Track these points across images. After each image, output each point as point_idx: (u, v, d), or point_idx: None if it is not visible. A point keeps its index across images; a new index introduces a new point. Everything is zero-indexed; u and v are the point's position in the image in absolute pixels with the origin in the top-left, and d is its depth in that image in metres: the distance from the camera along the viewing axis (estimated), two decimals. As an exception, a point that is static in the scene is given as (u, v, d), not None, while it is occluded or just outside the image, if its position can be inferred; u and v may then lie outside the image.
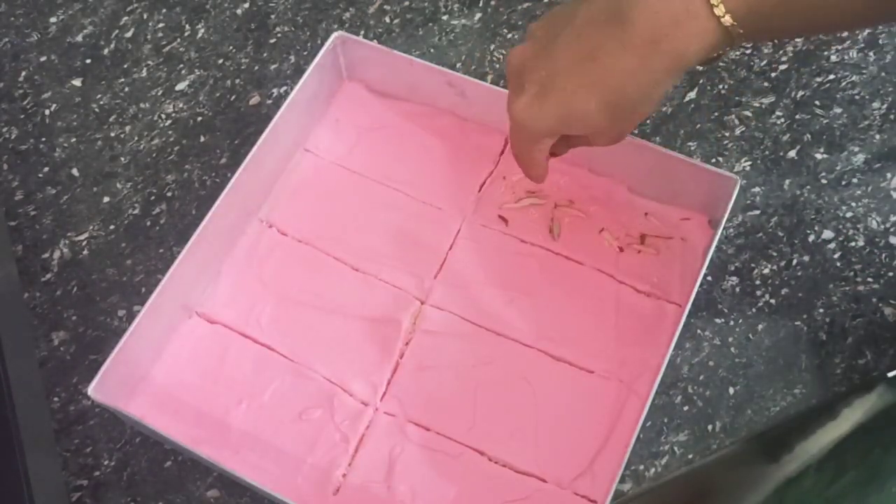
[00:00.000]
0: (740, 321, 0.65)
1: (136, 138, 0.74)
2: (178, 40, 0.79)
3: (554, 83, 0.47)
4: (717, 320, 0.65)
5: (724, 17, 0.44)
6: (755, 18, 0.44)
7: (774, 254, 0.67)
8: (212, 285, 0.65)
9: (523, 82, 0.49)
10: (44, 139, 0.75)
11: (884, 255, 0.67)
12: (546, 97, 0.48)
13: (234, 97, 0.76)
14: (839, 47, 0.75)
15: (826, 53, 0.75)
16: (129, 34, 0.79)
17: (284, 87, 0.76)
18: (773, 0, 0.44)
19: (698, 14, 0.44)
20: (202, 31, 0.79)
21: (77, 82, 0.77)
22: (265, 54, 0.78)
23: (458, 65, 0.76)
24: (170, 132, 0.75)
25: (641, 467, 0.61)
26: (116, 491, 0.61)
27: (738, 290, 0.66)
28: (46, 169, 0.73)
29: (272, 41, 0.78)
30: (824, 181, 0.70)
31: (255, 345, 0.63)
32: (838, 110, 0.72)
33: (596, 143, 0.52)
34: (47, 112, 0.76)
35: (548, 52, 0.48)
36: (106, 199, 0.72)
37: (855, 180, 0.70)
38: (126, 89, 0.77)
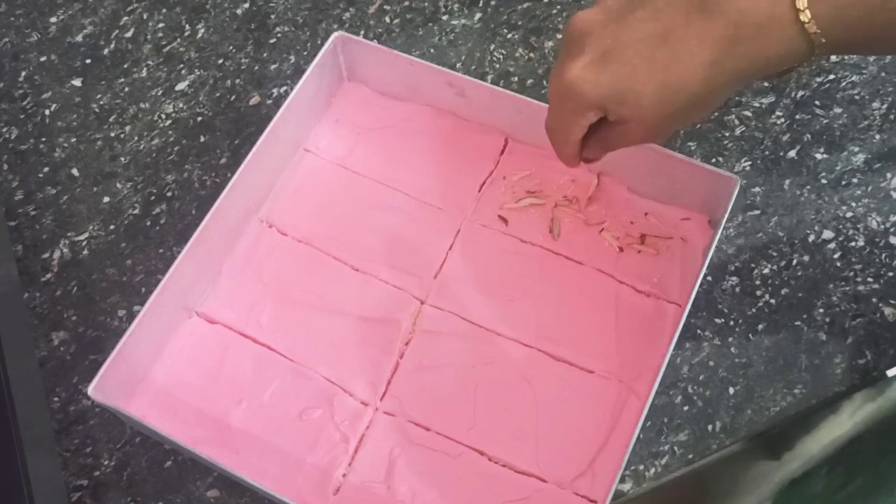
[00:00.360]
0: (740, 321, 0.65)
1: (136, 138, 0.74)
2: (178, 40, 0.79)
3: (618, 53, 0.45)
4: (717, 320, 0.65)
5: (808, 22, 0.42)
6: (840, 29, 0.42)
7: (774, 254, 0.67)
8: (212, 285, 0.65)
9: (584, 46, 0.46)
10: (44, 139, 0.75)
11: (884, 255, 0.67)
12: (606, 65, 0.45)
13: (234, 97, 0.76)
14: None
15: (826, 53, 0.75)
16: (129, 34, 0.79)
17: (284, 87, 0.76)
18: (861, 10, 0.42)
19: (783, 19, 0.42)
20: (202, 31, 0.79)
21: (77, 82, 0.77)
22: (265, 54, 0.78)
23: (458, 65, 0.76)
24: (170, 132, 0.75)
25: (641, 467, 0.61)
26: (116, 491, 0.61)
27: (738, 290, 0.66)
28: (46, 169, 0.73)
29: (272, 41, 0.78)
30: (824, 181, 0.70)
31: (255, 345, 0.63)
32: (838, 110, 0.72)
33: (633, 137, 0.48)
34: (47, 112, 0.76)
35: (620, 22, 0.45)
36: (106, 199, 0.72)
37: (855, 180, 0.70)
38: (126, 89, 0.77)
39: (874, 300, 0.65)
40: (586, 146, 0.51)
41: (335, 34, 0.68)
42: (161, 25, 0.80)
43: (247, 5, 0.80)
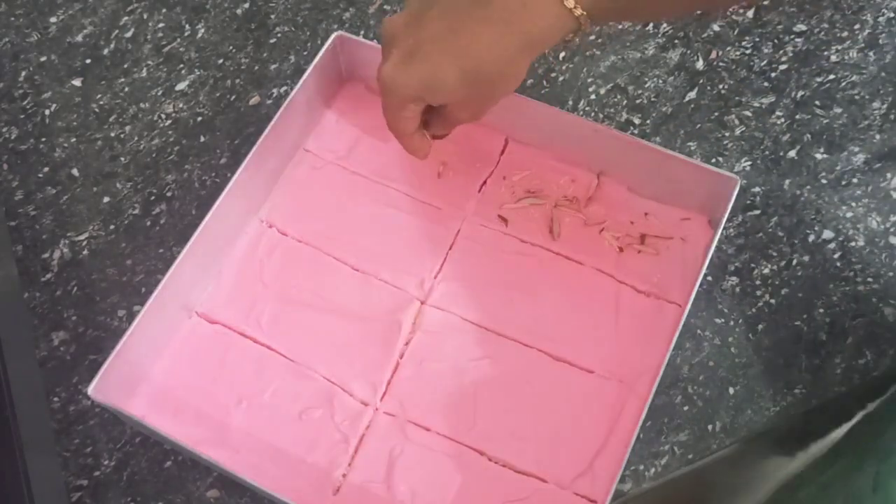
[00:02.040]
0: (740, 321, 0.65)
1: (136, 138, 0.74)
2: (178, 40, 0.79)
3: (420, 50, 0.50)
4: (717, 320, 0.65)
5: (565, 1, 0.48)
6: (598, 3, 0.49)
7: (774, 254, 0.67)
8: (212, 285, 0.65)
9: (392, 47, 0.52)
10: (44, 139, 0.75)
11: (884, 255, 0.67)
12: (411, 63, 0.51)
13: (234, 97, 0.76)
14: (839, 47, 0.75)
15: (826, 53, 0.75)
16: (129, 34, 0.79)
17: (284, 87, 0.76)
18: None
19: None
20: (202, 31, 0.79)
21: (77, 82, 0.77)
22: (265, 54, 0.78)
23: (458, 65, 0.76)
24: (170, 132, 0.75)
25: (641, 467, 0.61)
26: (116, 491, 0.61)
27: (738, 290, 0.66)
28: (46, 169, 0.73)
29: (272, 41, 0.78)
30: (824, 181, 0.70)
31: (255, 345, 0.63)
32: (838, 110, 0.72)
33: (460, 116, 0.55)
34: (47, 112, 0.76)
35: (418, 22, 0.51)
36: (106, 199, 0.72)
37: (855, 180, 0.70)
38: (126, 89, 0.77)
39: (874, 300, 0.65)
40: (431, 125, 0.57)
41: (335, 34, 0.68)
42: (161, 25, 0.80)
43: (247, 5, 0.80)
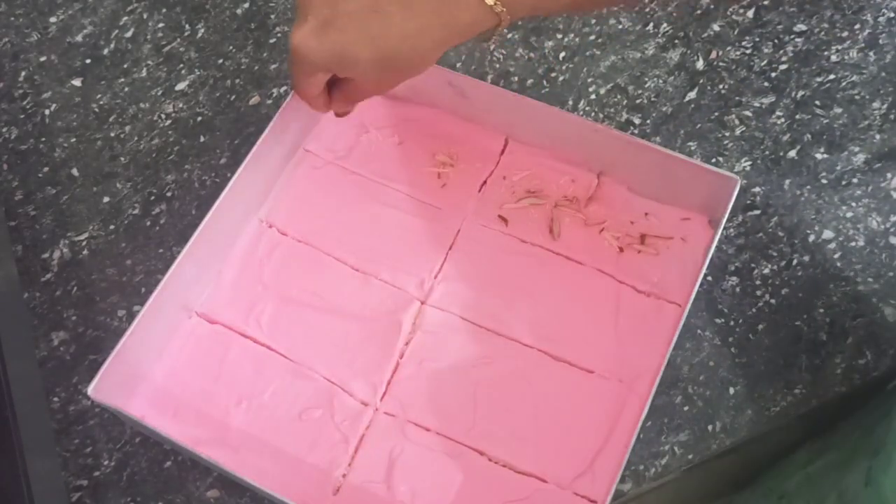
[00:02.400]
0: (740, 321, 0.65)
1: (136, 138, 0.74)
2: (178, 40, 0.79)
3: (336, 22, 0.50)
4: (717, 320, 0.65)
5: None
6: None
7: (774, 254, 0.67)
8: (212, 285, 0.65)
9: (308, 14, 0.51)
10: (44, 139, 0.75)
11: (884, 255, 0.67)
12: (325, 34, 0.50)
13: (234, 97, 0.76)
14: (839, 47, 0.75)
15: (826, 53, 0.75)
16: (129, 34, 0.79)
17: (284, 87, 0.76)
18: None
19: None
20: (202, 31, 0.79)
21: (77, 82, 0.77)
22: (265, 54, 0.78)
23: (458, 65, 0.76)
24: (170, 132, 0.75)
25: (641, 467, 0.60)
26: (116, 491, 0.61)
27: (738, 290, 0.66)
28: (46, 169, 0.73)
29: (272, 41, 0.78)
30: (824, 181, 0.70)
31: (255, 345, 0.63)
32: (838, 110, 0.72)
33: (363, 90, 0.55)
34: (47, 112, 0.76)
35: None
36: (106, 199, 0.72)
37: (855, 180, 0.69)
38: (126, 89, 0.77)
39: (874, 300, 0.65)
40: (333, 100, 0.57)
41: (335, 34, 0.68)
42: (161, 25, 0.80)
43: (247, 5, 0.80)
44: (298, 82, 0.55)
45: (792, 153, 0.71)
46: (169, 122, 0.75)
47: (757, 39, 0.76)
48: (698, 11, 0.77)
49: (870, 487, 0.51)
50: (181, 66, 0.77)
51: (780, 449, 0.68)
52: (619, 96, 0.74)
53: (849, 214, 0.68)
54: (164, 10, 0.80)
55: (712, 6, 0.77)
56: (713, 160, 0.71)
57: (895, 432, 0.52)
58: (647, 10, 0.77)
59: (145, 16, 0.80)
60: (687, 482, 0.63)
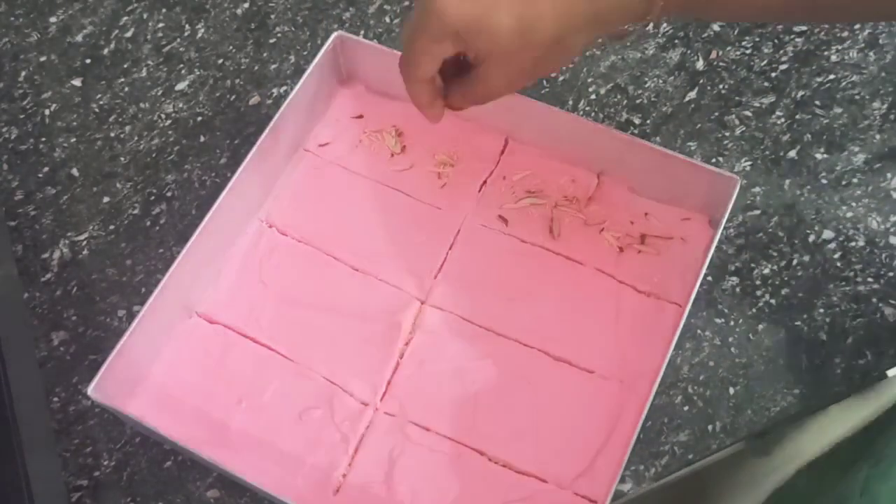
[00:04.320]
0: (740, 321, 0.65)
1: (136, 138, 0.74)
2: (178, 40, 0.79)
3: None
4: (718, 320, 0.65)
5: None
6: None
7: (775, 254, 0.67)
8: (212, 285, 0.65)
9: None
10: (44, 139, 0.75)
11: (884, 255, 0.67)
12: None
13: (234, 97, 0.76)
14: (839, 47, 0.75)
15: (826, 53, 0.75)
16: (129, 34, 0.79)
17: (284, 87, 0.76)
18: None
19: None
20: (202, 31, 0.79)
21: (77, 82, 0.77)
22: (265, 54, 0.78)
23: (458, 65, 0.76)
24: (170, 132, 0.75)
25: (641, 467, 0.60)
26: (116, 491, 0.61)
27: (738, 290, 0.66)
28: (46, 169, 0.73)
29: (272, 41, 0.78)
30: (824, 181, 0.70)
31: (255, 345, 0.63)
32: (838, 110, 0.72)
33: (492, 79, 0.50)
34: (47, 112, 0.76)
35: None
36: (106, 199, 0.72)
37: (855, 180, 0.69)
38: (126, 89, 0.77)
39: (874, 300, 0.65)
40: (449, 93, 0.52)
41: (335, 34, 0.68)
42: (161, 25, 0.80)
43: (247, 5, 0.80)
44: (418, 49, 0.49)
45: (792, 153, 0.71)
46: (169, 122, 0.75)
47: (757, 39, 0.76)
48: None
49: (865, 497, 0.51)
50: (181, 66, 0.77)
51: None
52: (619, 96, 0.74)
53: (849, 214, 0.68)
54: (164, 10, 0.80)
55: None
56: (713, 160, 0.71)
57: (893, 442, 0.52)
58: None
59: (145, 16, 0.80)
60: (679, 482, 0.63)
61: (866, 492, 0.51)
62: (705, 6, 0.50)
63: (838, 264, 0.66)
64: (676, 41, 0.76)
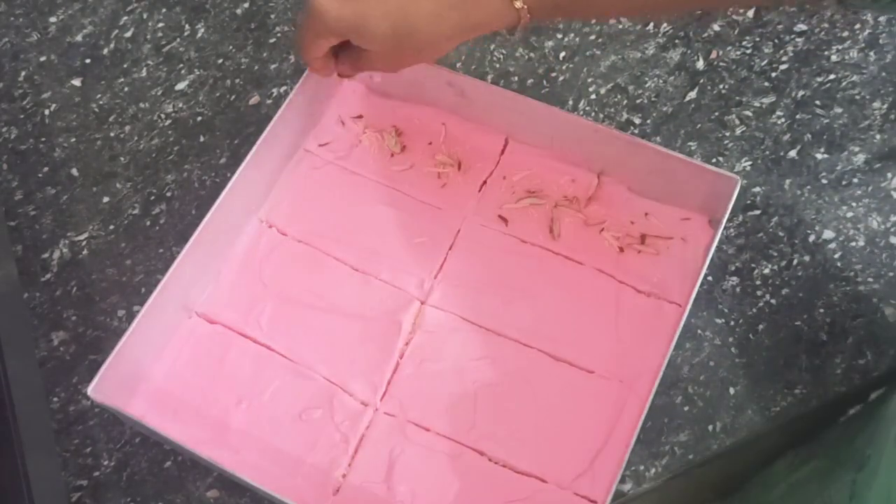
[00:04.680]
0: (740, 321, 0.65)
1: (135, 138, 0.74)
2: (178, 40, 0.79)
3: None
4: (718, 320, 0.65)
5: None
6: (542, 3, 0.50)
7: (775, 254, 0.67)
8: (212, 285, 0.65)
9: None
10: (43, 139, 0.75)
11: (884, 255, 0.67)
12: (348, 1, 0.52)
13: (233, 97, 0.76)
14: (839, 47, 0.75)
15: (826, 53, 0.75)
16: (128, 34, 0.79)
17: (284, 87, 0.76)
18: None
19: None
20: (202, 30, 0.79)
21: (77, 82, 0.77)
22: (265, 54, 0.78)
23: (458, 65, 0.76)
24: (170, 132, 0.75)
25: (642, 467, 0.60)
26: (116, 491, 0.61)
27: (738, 290, 0.66)
28: (46, 169, 0.73)
29: (272, 41, 0.78)
30: (825, 181, 0.70)
31: (255, 345, 0.63)
32: (839, 110, 0.72)
33: (375, 65, 0.56)
34: (47, 112, 0.76)
35: None
36: (106, 199, 0.72)
37: (855, 180, 0.69)
38: (126, 89, 0.77)
39: (874, 300, 0.65)
40: (339, 62, 0.58)
41: (335, 34, 0.68)
42: (161, 25, 0.80)
43: (247, 5, 0.80)
44: (306, 42, 0.55)
45: (792, 153, 0.71)
46: (169, 122, 0.75)
47: (757, 39, 0.76)
48: (698, 11, 0.77)
49: (854, 501, 0.51)
50: (181, 66, 0.77)
51: (764, 457, 0.68)
52: (619, 96, 0.74)
53: (849, 214, 0.68)
54: (164, 10, 0.80)
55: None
56: (713, 160, 0.71)
57: (879, 446, 0.52)
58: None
59: (145, 16, 0.80)
60: (671, 490, 0.63)
61: (855, 496, 0.51)
62: (570, 8, 0.54)
63: (838, 264, 0.66)
64: (677, 41, 0.76)
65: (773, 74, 0.74)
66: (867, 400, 0.64)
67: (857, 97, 0.73)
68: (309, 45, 0.55)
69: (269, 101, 0.75)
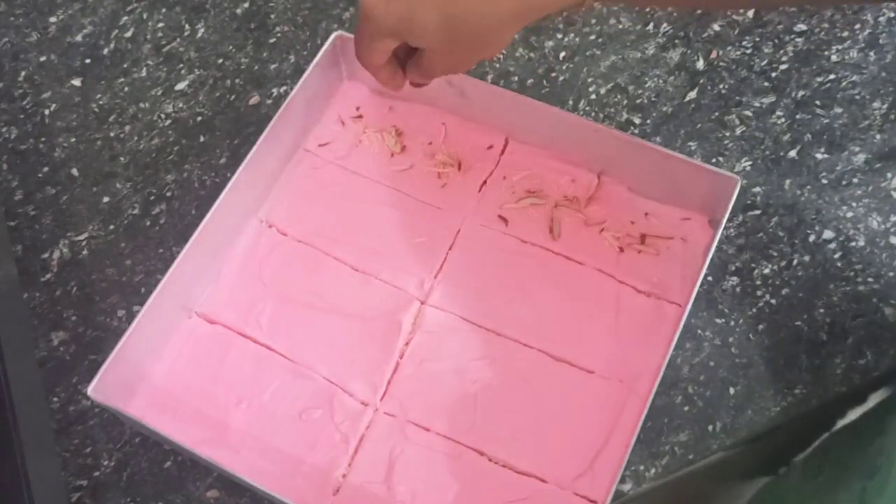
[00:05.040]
0: (741, 321, 0.65)
1: (135, 138, 0.74)
2: (178, 40, 0.79)
3: None
4: (718, 320, 0.65)
5: None
6: None
7: (775, 254, 0.67)
8: (212, 285, 0.65)
9: None
10: (43, 139, 0.75)
11: (884, 255, 0.67)
12: None
13: (233, 97, 0.76)
14: (839, 47, 0.75)
15: (826, 53, 0.75)
16: (128, 34, 0.79)
17: (284, 87, 0.76)
18: None
19: None
20: (202, 30, 0.79)
21: (77, 82, 0.77)
22: (265, 54, 0.78)
23: (458, 65, 0.76)
24: (169, 132, 0.75)
25: (642, 467, 0.60)
26: (116, 491, 0.61)
27: (738, 290, 0.66)
28: (46, 169, 0.73)
29: (272, 41, 0.78)
30: (825, 181, 0.70)
31: (255, 345, 0.63)
32: (839, 110, 0.72)
33: (435, 65, 0.53)
34: (47, 112, 0.76)
35: None
36: (106, 199, 0.72)
37: (855, 180, 0.69)
38: (126, 89, 0.77)
39: (874, 300, 0.65)
40: (408, 71, 0.55)
41: (335, 34, 0.68)
42: (161, 25, 0.80)
43: (247, 5, 0.80)
44: (362, 48, 0.53)
45: (792, 153, 0.71)
46: (169, 122, 0.75)
47: (757, 39, 0.76)
48: (698, 11, 0.77)
49: None
50: (181, 66, 0.77)
51: (771, 464, 0.68)
52: (619, 96, 0.74)
53: (849, 214, 0.68)
54: (163, 10, 0.80)
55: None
56: (713, 160, 0.71)
57: (889, 455, 0.51)
58: (648, 10, 0.77)
59: (145, 16, 0.80)
60: (677, 495, 0.63)
61: None
62: None
63: (838, 264, 0.66)
64: (677, 41, 0.76)
65: (773, 74, 0.74)
66: (864, 401, 0.64)
67: (857, 97, 0.73)
68: (367, 52, 0.53)
69: (269, 101, 0.75)
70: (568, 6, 0.49)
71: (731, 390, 0.63)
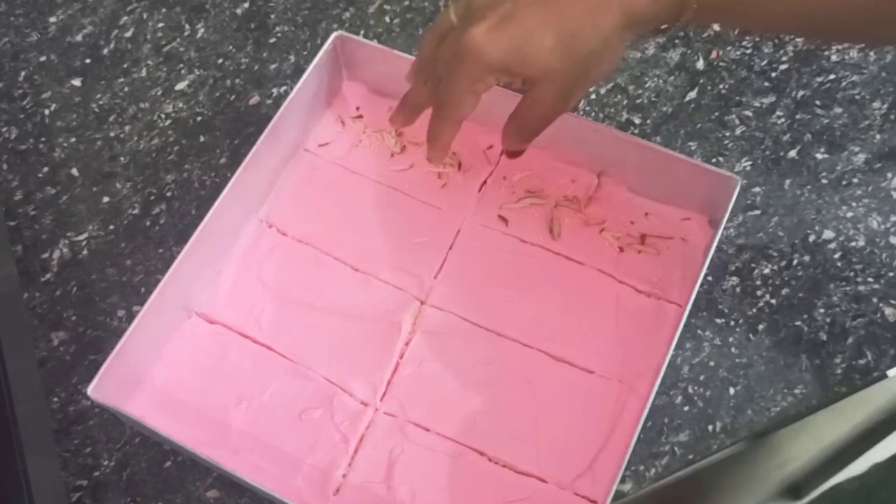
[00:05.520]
0: (740, 321, 0.65)
1: (135, 138, 0.74)
2: (178, 40, 0.79)
3: (514, 16, 0.47)
4: (718, 320, 0.65)
5: None
6: None
7: (775, 254, 0.67)
8: (212, 285, 0.65)
9: (486, 13, 0.48)
10: (43, 139, 0.75)
11: (884, 255, 0.67)
12: (504, 27, 0.47)
13: (233, 97, 0.76)
14: (839, 47, 0.75)
15: (826, 53, 0.75)
16: (128, 34, 0.79)
17: (284, 87, 0.76)
18: None
19: None
20: (202, 30, 0.79)
21: (77, 82, 0.77)
22: (265, 54, 0.78)
23: (458, 65, 0.76)
24: (169, 132, 0.75)
25: (642, 467, 0.60)
26: (116, 491, 0.61)
27: (738, 290, 0.66)
28: (46, 169, 0.73)
29: (272, 41, 0.78)
30: (825, 181, 0.70)
31: (255, 345, 0.63)
32: (839, 110, 0.72)
33: (542, 105, 0.51)
34: (47, 112, 0.76)
35: None
36: (105, 199, 0.72)
37: (855, 180, 0.69)
38: (126, 89, 0.77)
39: (874, 300, 0.65)
40: (504, 136, 0.53)
41: (335, 34, 0.68)
42: (161, 25, 0.80)
43: (247, 5, 0.80)
44: (462, 91, 0.50)
45: (792, 153, 0.71)
46: (169, 122, 0.75)
47: (757, 39, 0.76)
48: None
49: None
50: (181, 66, 0.77)
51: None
52: (619, 96, 0.74)
53: (849, 214, 0.68)
54: (163, 10, 0.80)
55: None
56: (713, 160, 0.71)
57: None
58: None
59: (145, 16, 0.80)
60: (677, 495, 0.63)
61: None
62: (739, 9, 0.49)
63: (838, 264, 0.66)
64: (677, 41, 0.76)
65: (773, 74, 0.74)
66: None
67: (857, 97, 0.73)
68: (465, 95, 0.50)
69: (269, 101, 0.75)
70: (668, 18, 0.48)
71: (731, 390, 0.63)
